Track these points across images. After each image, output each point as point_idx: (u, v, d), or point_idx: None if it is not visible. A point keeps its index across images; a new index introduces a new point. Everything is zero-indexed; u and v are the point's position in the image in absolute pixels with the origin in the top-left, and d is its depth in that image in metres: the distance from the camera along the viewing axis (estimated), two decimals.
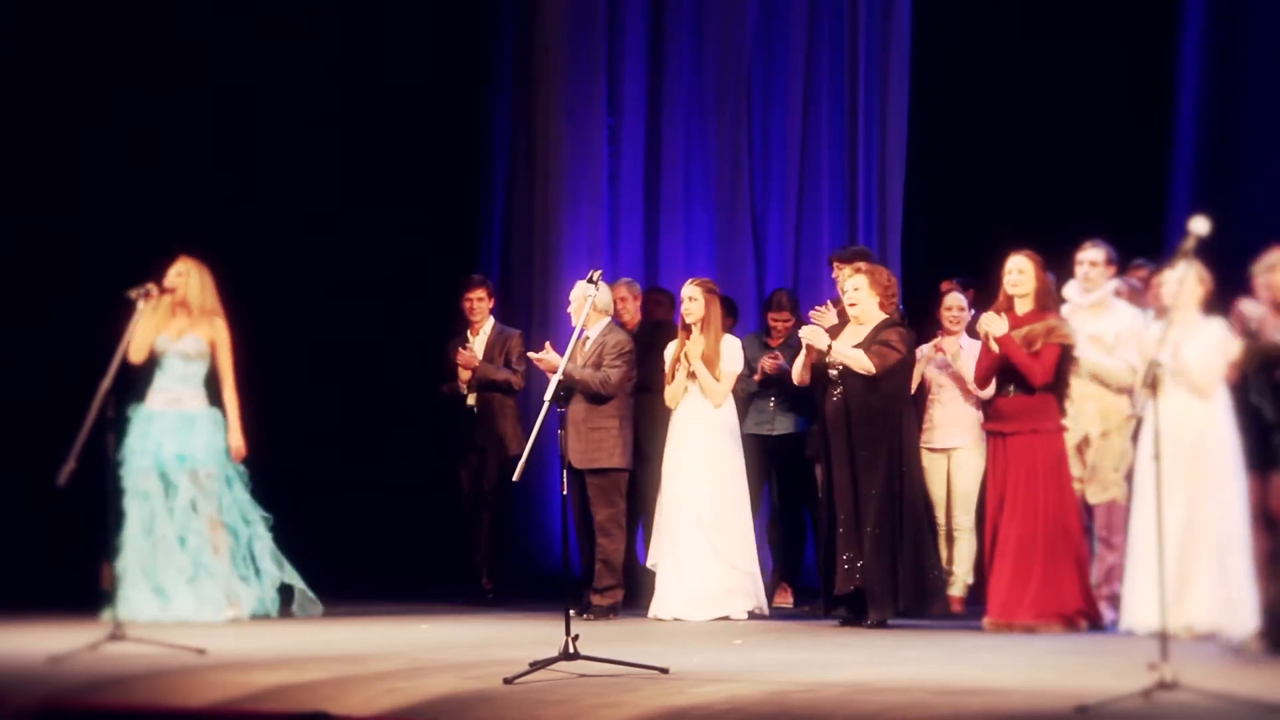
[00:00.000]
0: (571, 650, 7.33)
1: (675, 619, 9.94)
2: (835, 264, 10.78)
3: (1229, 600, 8.49)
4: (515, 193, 13.44)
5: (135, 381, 9.67)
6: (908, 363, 9.56)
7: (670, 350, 10.23)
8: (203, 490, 9.78)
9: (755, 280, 12.95)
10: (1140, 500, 8.73)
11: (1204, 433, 8.54)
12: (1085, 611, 9.09)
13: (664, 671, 7.25)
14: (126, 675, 7.44)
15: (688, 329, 10.15)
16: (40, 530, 11.27)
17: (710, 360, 10.04)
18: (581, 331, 9.91)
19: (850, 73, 13.18)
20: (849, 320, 9.70)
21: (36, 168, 12.10)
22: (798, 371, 9.76)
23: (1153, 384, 6.94)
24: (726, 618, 9.95)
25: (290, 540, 10.34)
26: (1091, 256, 9.63)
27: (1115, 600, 9.26)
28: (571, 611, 9.96)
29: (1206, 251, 7.33)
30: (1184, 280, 8.22)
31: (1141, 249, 10.48)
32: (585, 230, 13.25)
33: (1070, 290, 9.61)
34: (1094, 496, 9.49)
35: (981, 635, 9.00)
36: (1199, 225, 7.04)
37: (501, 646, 8.43)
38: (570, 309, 10.28)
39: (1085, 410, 9.48)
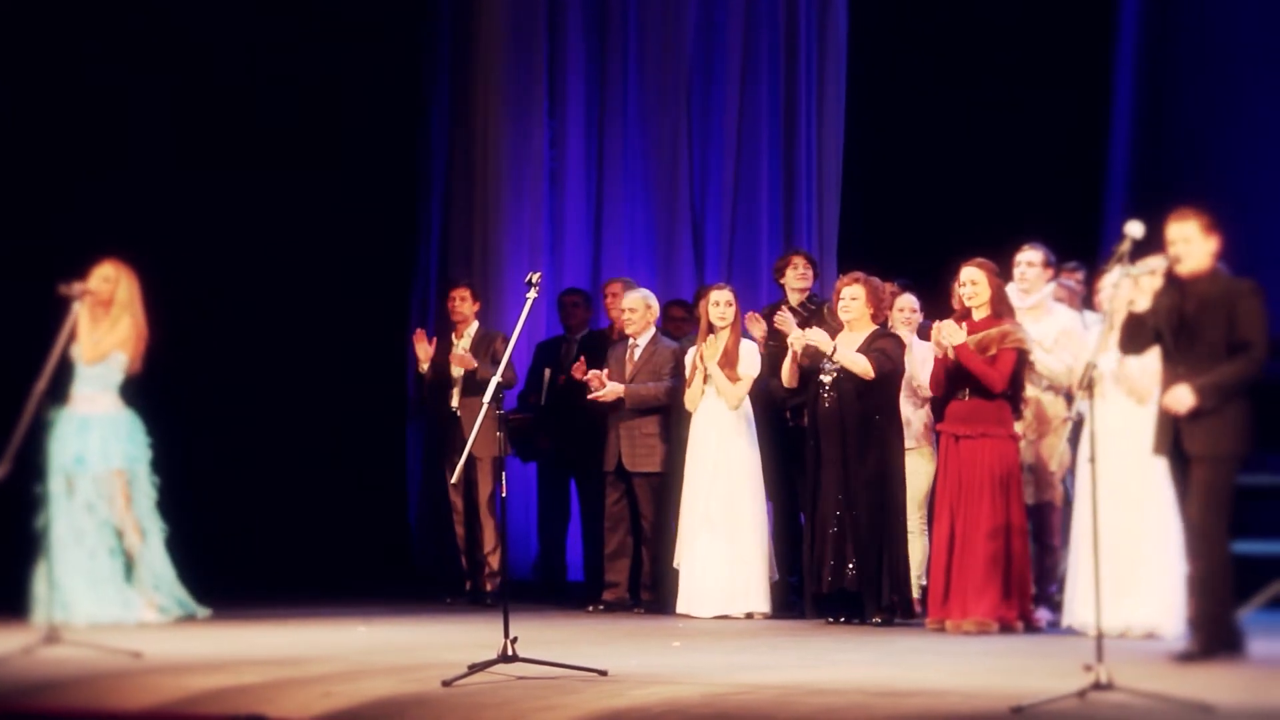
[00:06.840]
0: (510, 653, 7.32)
1: (700, 616, 10.07)
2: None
3: (1169, 601, 8.56)
4: (455, 195, 13.37)
5: (62, 383, 9.56)
6: (898, 373, 9.63)
7: (691, 355, 10.35)
8: (102, 493, 9.71)
9: (695, 280, 12.95)
10: (1081, 502, 8.77)
11: (1145, 435, 8.57)
12: (1022, 613, 9.13)
13: (602, 674, 7.25)
14: (61, 679, 7.38)
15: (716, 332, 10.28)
16: None
17: (727, 363, 10.14)
18: (629, 340, 10.59)
19: (788, 76, 13.24)
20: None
21: None
22: (786, 374, 9.81)
23: (1089, 386, 7.00)
24: (750, 614, 10.08)
25: (224, 542, 10.21)
26: (1029, 258, 9.66)
27: (1051, 601, 9.32)
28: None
29: (1142, 255, 7.41)
30: (1119, 284, 8.28)
31: (1078, 252, 10.54)
32: (527, 232, 13.22)
33: (1008, 293, 9.64)
34: (1030, 498, 9.51)
35: (919, 636, 9.03)
36: (1134, 229, 7.12)
37: (440, 649, 8.41)
38: (626, 317, 10.62)
39: (1023, 412, 9.52)
